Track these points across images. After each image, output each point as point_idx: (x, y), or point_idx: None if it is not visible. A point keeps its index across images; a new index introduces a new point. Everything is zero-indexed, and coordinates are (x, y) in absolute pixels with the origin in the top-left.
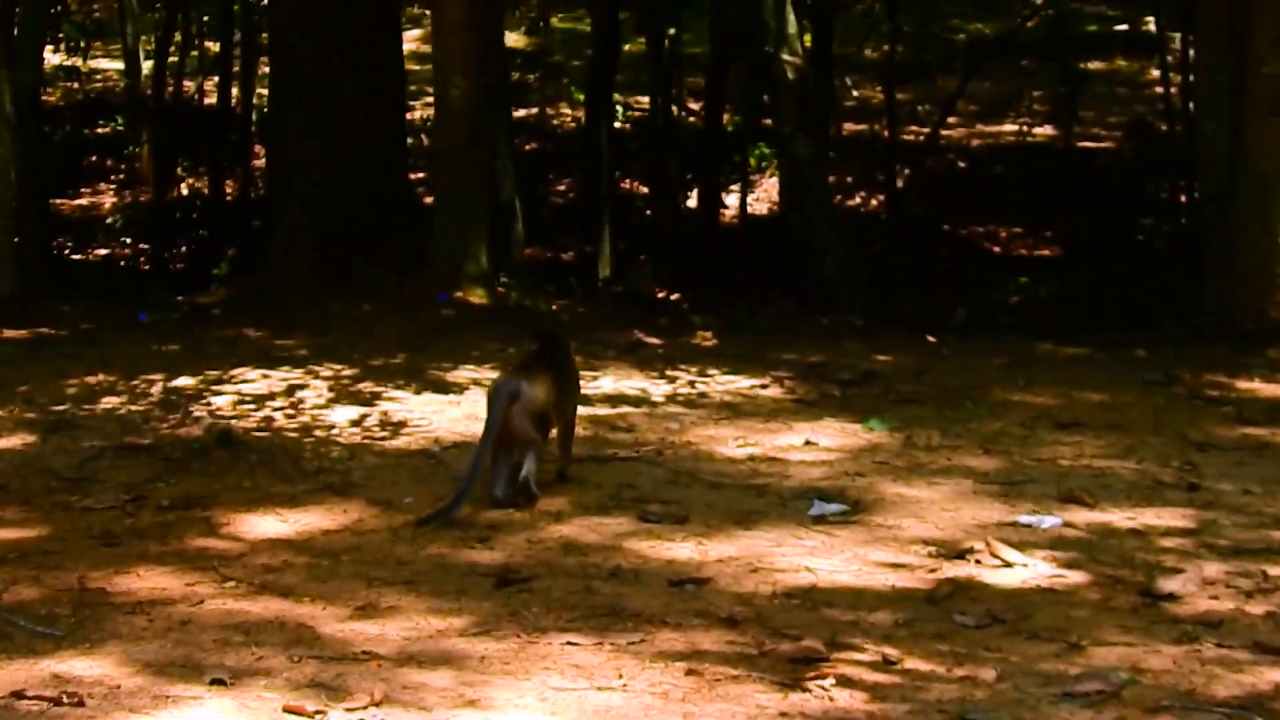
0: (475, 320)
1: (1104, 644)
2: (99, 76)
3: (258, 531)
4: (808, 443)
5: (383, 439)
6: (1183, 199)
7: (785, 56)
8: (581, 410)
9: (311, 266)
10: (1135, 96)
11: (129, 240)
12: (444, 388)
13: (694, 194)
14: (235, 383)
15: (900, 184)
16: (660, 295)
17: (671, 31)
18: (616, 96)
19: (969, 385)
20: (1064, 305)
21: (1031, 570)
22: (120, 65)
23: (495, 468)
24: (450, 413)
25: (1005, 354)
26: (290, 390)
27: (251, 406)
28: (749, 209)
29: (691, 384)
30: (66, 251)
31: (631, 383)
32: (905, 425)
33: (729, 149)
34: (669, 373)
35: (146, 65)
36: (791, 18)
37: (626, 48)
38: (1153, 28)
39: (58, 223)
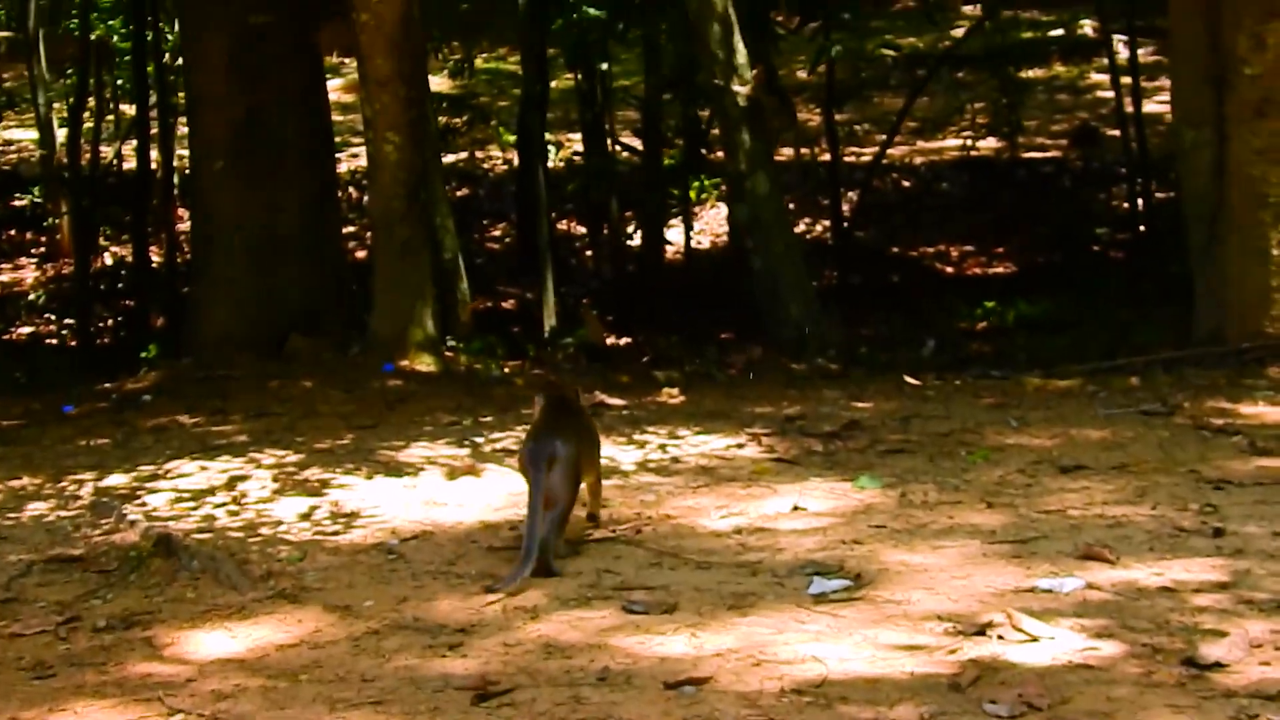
0: (424, 390)
1: None
2: (13, 147)
3: (205, 651)
4: (796, 508)
5: (335, 533)
6: (1140, 204)
7: (736, 88)
8: None
9: (243, 342)
10: (1077, 103)
11: (53, 316)
12: (397, 470)
13: (635, 232)
14: (171, 478)
15: (845, 209)
16: (610, 342)
17: (604, 66)
18: (548, 135)
19: (959, 430)
20: (1034, 329)
21: (1060, 644)
22: (34, 134)
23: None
24: (405, 498)
25: (992, 392)
26: (231, 483)
27: (190, 504)
28: (693, 243)
29: (663, 448)
30: None
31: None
32: (897, 481)
33: (668, 183)
34: (636, 437)
35: (62, 133)
36: (740, 47)
37: (554, 84)
38: (1089, 31)
39: None
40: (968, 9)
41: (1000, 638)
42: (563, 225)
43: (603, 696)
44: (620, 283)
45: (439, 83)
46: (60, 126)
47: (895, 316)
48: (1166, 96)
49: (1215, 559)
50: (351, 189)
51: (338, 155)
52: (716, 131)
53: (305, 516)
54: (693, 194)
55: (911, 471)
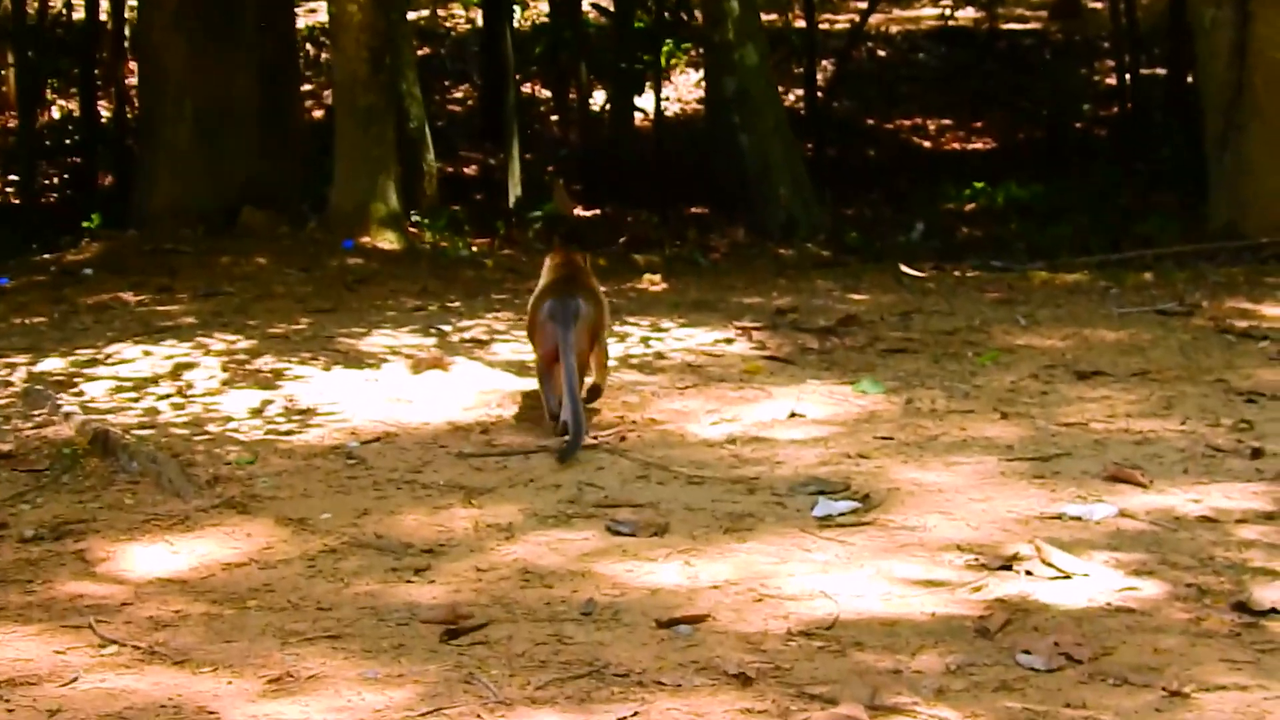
0: (387, 270)
1: (1212, 688)
2: None
3: (143, 568)
4: (793, 415)
5: (289, 433)
6: (1127, 79)
7: None
8: (520, 385)
9: (192, 214)
10: None
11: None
12: (357, 361)
13: (603, 98)
14: (112, 363)
15: (820, 79)
16: (579, 214)
17: None
18: None
19: (965, 329)
20: (1026, 213)
21: (1095, 582)
22: None
23: (546, 392)
24: (367, 393)
25: (996, 286)
26: (176, 371)
27: (131, 395)
28: (663, 111)
29: (645, 342)
30: None
31: None
32: (902, 385)
33: (640, 47)
34: (616, 329)
35: None
36: None
37: None
38: None
39: None
40: None
41: (1029, 573)
42: (527, 89)
43: (588, 635)
44: (588, 151)
45: None
46: None
47: (877, 196)
48: None
49: (1256, 484)
50: (310, 47)
51: (296, 11)
52: None
53: (257, 412)
54: (663, 59)
55: (916, 375)
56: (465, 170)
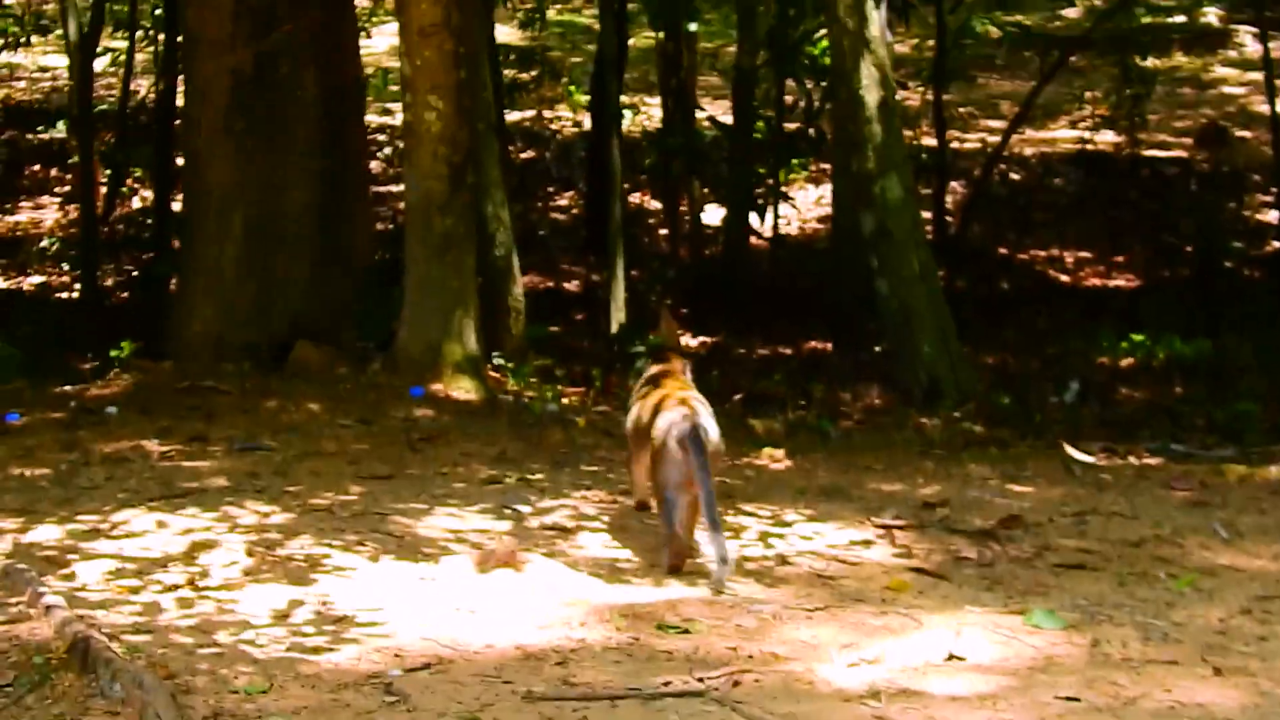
0: (460, 426)
1: None
2: (48, 74)
3: None
4: (951, 657)
5: (316, 650)
6: None
7: (868, 68)
8: (609, 596)
9: (236, 347)
10: (1201, 98)
11: (68, 265)
12: (412, 549)
13: (714, 213)
14: (116, 536)
15: (949, 203)
16: (685, 344)
17: (692, 26)
18: (624, 99)
19: (1152, 539)
20: (1189, 373)
21: None
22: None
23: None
24: (420, 597)
25: (1185, 481)
26: (192, 552)
27: (133, 582)
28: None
29: (765, 540)
30: None
31: None
32: (1084, 618)
33: (758, 161)
34: (729, 519)
35: (100, 62)
36: (874, 16)
37: (633, 43)
38: (1213, 20)
39: None
40: None
41: None
42: (635, 199)
43: None
44: (699, 270)
45: (507, 34)
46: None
47: (1011, 335)
48: None
49: None
50: (384, 155)
51: (373, 122)
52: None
53: (281, 617)
54: (781, 175)
55: (1100, 603)
56: (566, 286)
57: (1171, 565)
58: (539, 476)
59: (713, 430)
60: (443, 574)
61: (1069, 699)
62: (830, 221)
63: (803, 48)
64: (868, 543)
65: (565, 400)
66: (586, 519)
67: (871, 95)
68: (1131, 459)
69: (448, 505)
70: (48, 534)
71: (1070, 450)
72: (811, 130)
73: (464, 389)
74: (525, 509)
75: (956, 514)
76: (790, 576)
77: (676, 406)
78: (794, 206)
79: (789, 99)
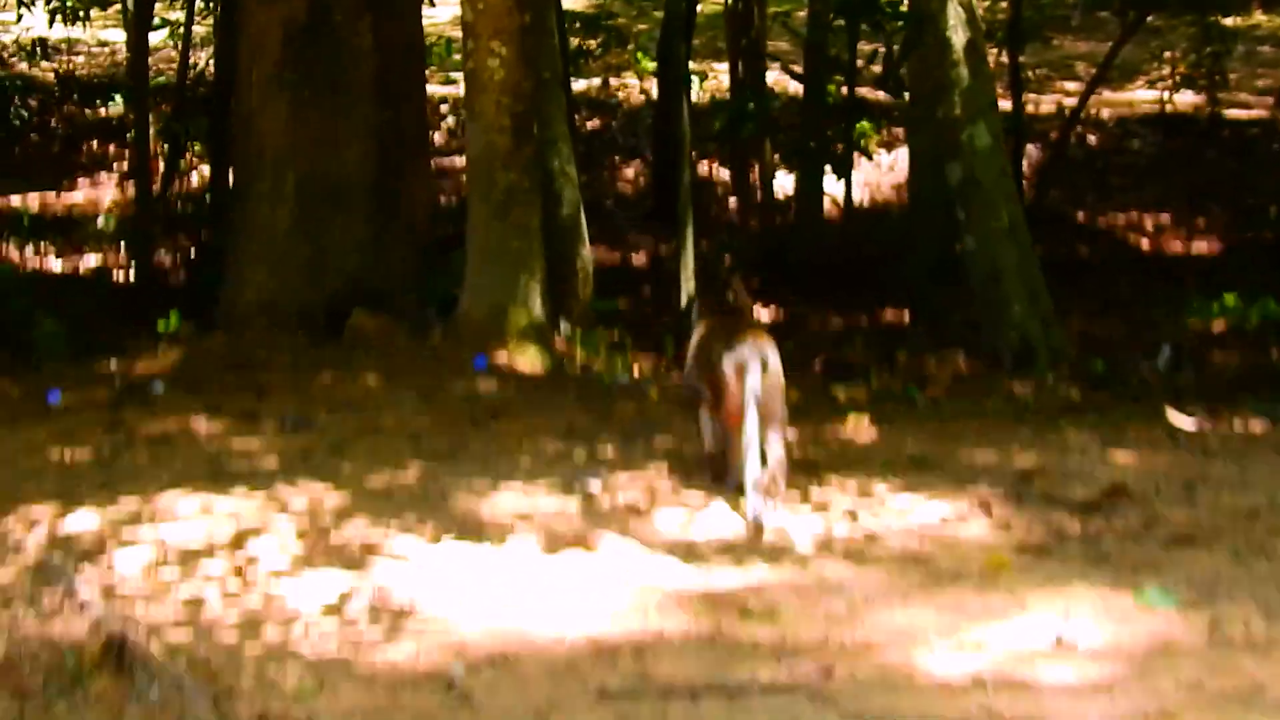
0: (526, 399)
1: None
2: (107, 49)
3: None
4: (1060, 642)
5: (373, 645)
6: None
7: (954, 8)
8: (688, 581)
9: (290, 316)
10: None
11: (124, 244)
12: (476, 530)
13: (785, 180)
14: (159, 522)
15: (1025, 167)
16: (758, 314)
17: None
18: (693, 65)
19: (1267, 508)
20: None
21: None
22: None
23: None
24: (484, 582)
25: None
26: (239, 539)
27: (174, 572)
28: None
29: (852, 516)
30: (44, 261)
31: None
32: (1200, 596)
33: (833, 124)
34: (815, 495)
35: (159, 35)
36: None
37: (701, 8)
38: None
39: (40, 224)
40: None
41: None
42: (704, 169)
43: None
44: (769, 239)
45: (572, 2)
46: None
47: (1095, 304)
48: None
49: None
50: (449, 119)
51: (435, 94)
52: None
53: (334, 610)
54: (857, 138)
55: (1216, 579)
56: (633, 258)
57: None
58: (610, 451)
59: (773, 360)
60: (509, 557)
61: (1193, 685)
62: (905, 188)
63: None
64: (963, 517)
65: (636, 372)
66: (662, 497)
67: (959, 37)
68: (1237, 424)
69: (513, 483)
70: (86, 521)
71: (1173, 415)
72: (889, 84)
73: (530, 359)
74: (596, 485)
75: (1056, 484)
76: (882, 556)
77: (733, 334)
78: (872, 160)
79: (861, 61)
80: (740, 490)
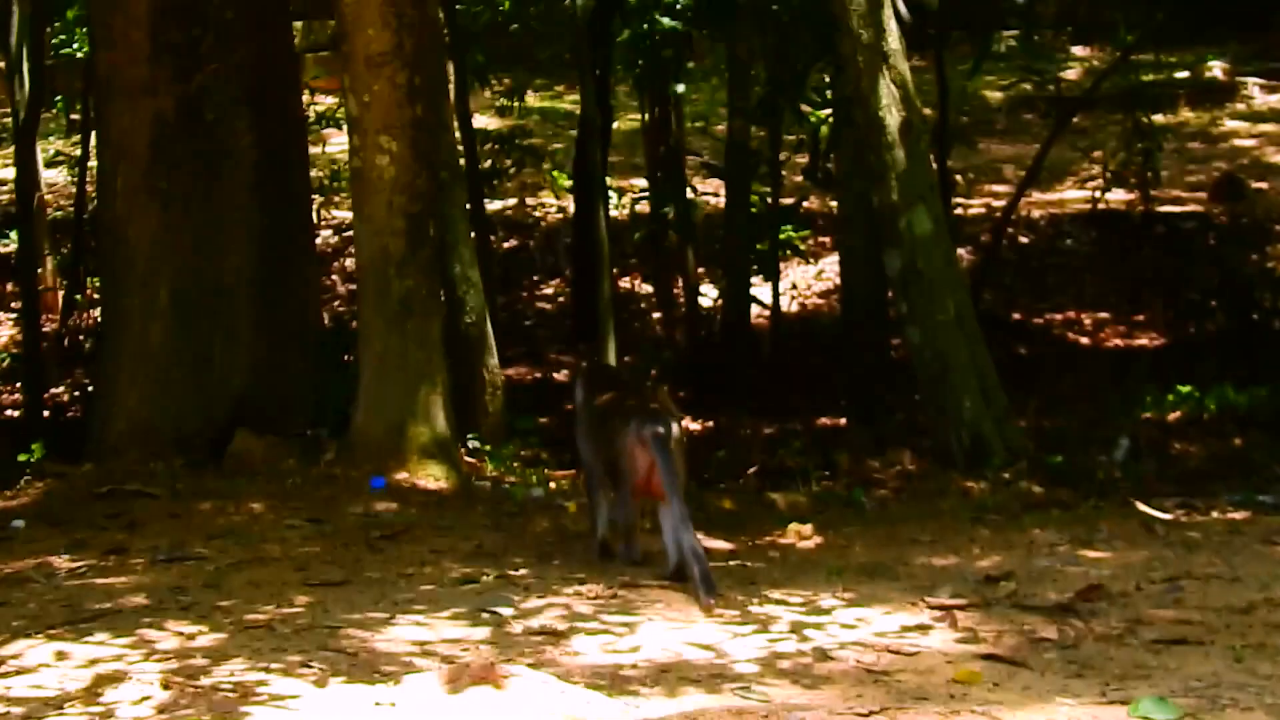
0: (429, 520)
1: None
2: (5, 187)
3: None
4: None
5: None
6: None
7: (888, 87)
8: (616, 717)
9: (166, 440)
10: (1211, 151)
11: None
12: (368, 667)
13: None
14: (6, 675)
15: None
16: (688, 425)
17: (680, 88)
18: (610, 181)
19: (1262, 603)
20: (1245, 424)
21: None
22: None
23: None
24: None
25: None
26: (95, 688)
27: None
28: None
29: (799, 631)
30: None
31: (693, 634)
32: (1203, 703)
33: (759, 230)
34: (754, 609)
35: (52, 173)
36: (893, 28)
37: (618, 125)
38: (1218, 74)
39: None
40: (1077, 50)
41: None
42: (625, 283)
43: None
44: (697, 352)
45: (485, 121)
46: (47, 166)
47: (1052, 402)
48: None
49: None
50: (328, 207)
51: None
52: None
53: None
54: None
55: (1217, 684)
56: (554, 377)
57: None
58: (523, 572)
59: (676, 430)
60: (405, 697)
61: None
62: (836, 294)
63: (806, 79)
64: (924, 628)
65: (552, 485)
66: (581, 619)
67: (893, 117)
68: (1215, 514)
69: (413, 612)
70: None
71: (1145, 508)
72: (817, 175)
73: (433, 477)
74: (507, 610)
75: (1026, 587)
76: (834, 674)
77: (630, 402)
78: (804, 259)
79: (785, 154)
80: (634, 561)
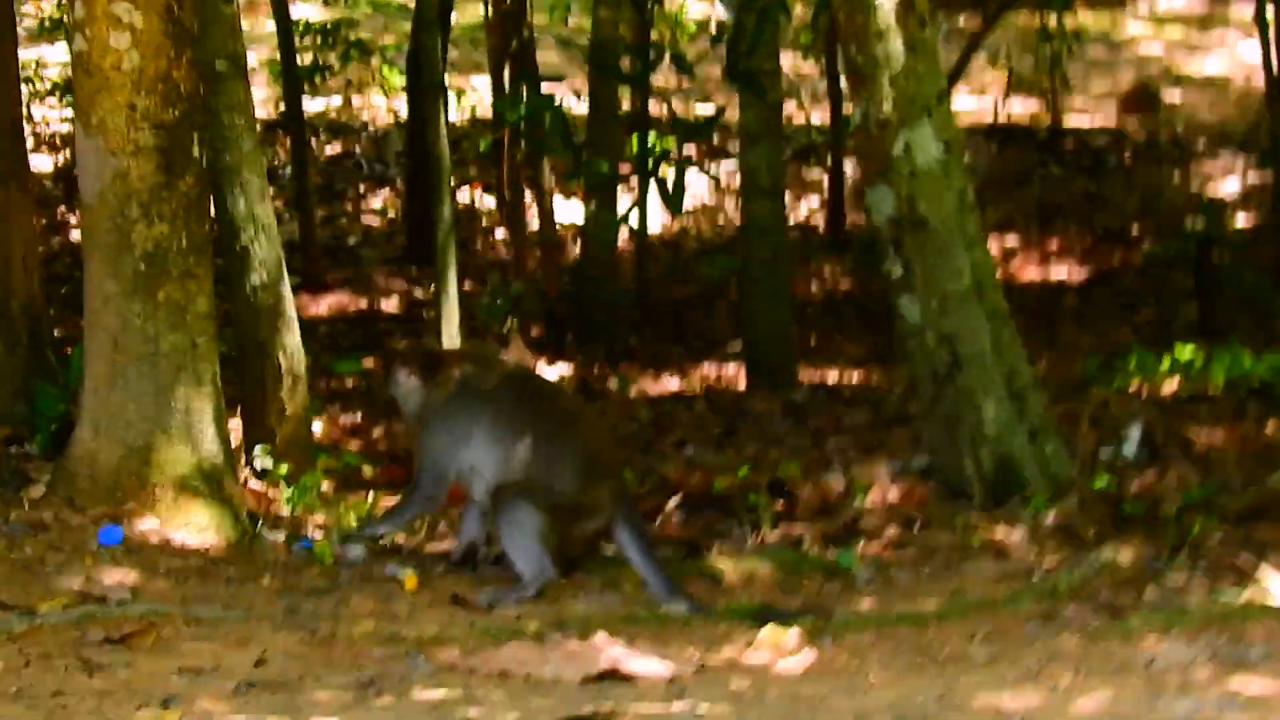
0: (186, 601)
1: None
2: None
3: None
4: None
5: None
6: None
7: None
8: None
9: None
10: (1114, 59)
11: None
12: None
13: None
14: None
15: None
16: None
17: None
18: (449, 80)
19: None
20: (1264, 397)
21: None
22: None
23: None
24: None
25: None
26: None
27: None
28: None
29: None
30: None
31: None
32: None
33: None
34: None
35: None
36: None
37: (456, 19)
38: None
39: None
40: None
41: None
42: (464, 197)
43: None
44: (553, 280)
45: (306, 10)
46: None
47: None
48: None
49: None
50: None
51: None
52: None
53: None
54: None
55: None
56: (382, 304)
57: None
58: (324, 697)
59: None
60: None
61: None
62: (714, 214)
63: None
64: None
65: (381, 531)
66: None
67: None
68: None
69: None
70: None
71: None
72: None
73: (196, 525)
74: None
75: None
76: None
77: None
78: (713, 177)
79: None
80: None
